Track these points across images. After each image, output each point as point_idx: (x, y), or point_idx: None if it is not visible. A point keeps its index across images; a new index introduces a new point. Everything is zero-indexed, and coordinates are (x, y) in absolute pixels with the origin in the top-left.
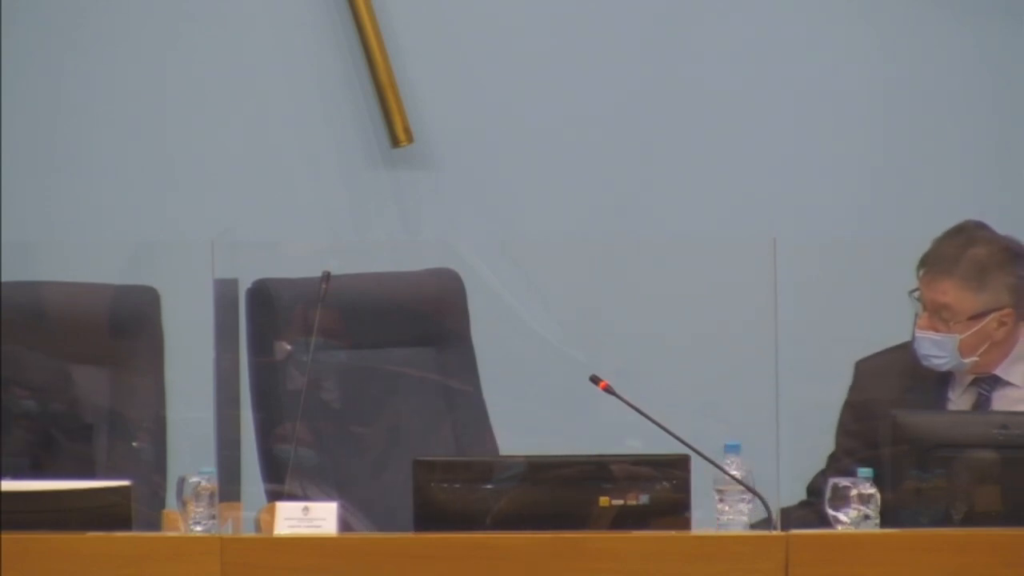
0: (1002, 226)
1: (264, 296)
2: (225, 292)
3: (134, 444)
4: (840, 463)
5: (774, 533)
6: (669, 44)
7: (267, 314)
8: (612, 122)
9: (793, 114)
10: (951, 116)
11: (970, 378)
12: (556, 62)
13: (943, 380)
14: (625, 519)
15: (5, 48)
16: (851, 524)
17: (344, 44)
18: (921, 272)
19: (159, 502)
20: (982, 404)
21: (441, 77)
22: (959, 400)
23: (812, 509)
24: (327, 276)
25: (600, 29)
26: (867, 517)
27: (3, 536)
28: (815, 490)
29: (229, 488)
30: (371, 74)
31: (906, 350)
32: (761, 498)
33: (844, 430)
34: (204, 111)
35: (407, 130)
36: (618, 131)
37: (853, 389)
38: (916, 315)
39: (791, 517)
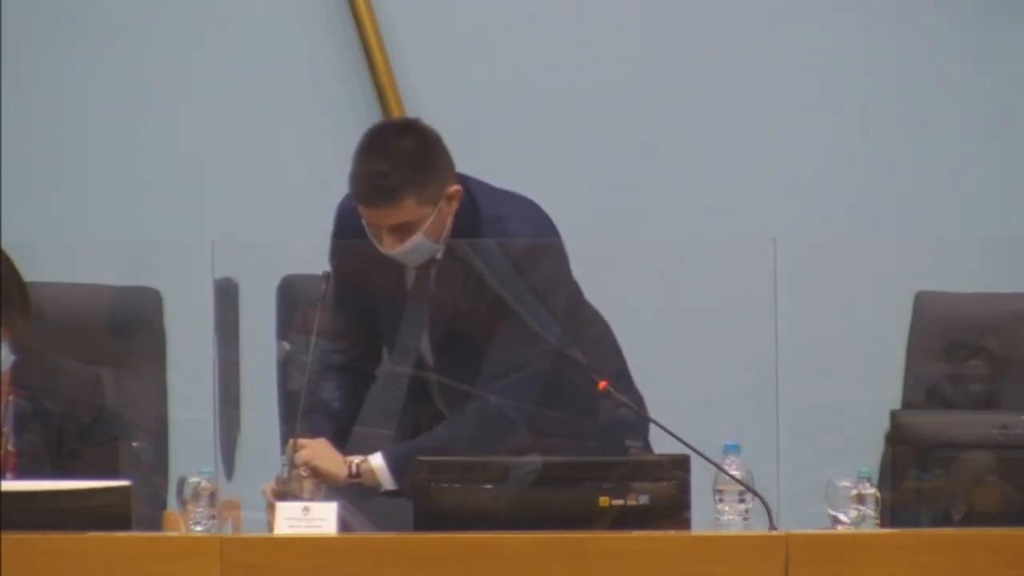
0: (1002, 226)
1: (291, 292)
2: (225, 292)
3: (135, 444)
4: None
5: (774, 533)
6: (669, 44)
7: (294, 308)
8: (612, 123)
9: (793, 113)
10: (951, 115)
11: None
12: (556, 62)
13: None
14: (625, 519)
15: (5, 48)
16: (851, 524)
17: (344, 44)
18: None
19: (160, 502)
20: None
21: (441, 77)
22: None
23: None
24: (327, 276)
25: (600, 29)
26: (867, 517)
27: (3, 536)
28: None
29: (229, 488)
30: (371, 74)
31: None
32: (761, 498)
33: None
34: (204, 111)
35: None
36: (618, 131)
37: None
38: None
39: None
